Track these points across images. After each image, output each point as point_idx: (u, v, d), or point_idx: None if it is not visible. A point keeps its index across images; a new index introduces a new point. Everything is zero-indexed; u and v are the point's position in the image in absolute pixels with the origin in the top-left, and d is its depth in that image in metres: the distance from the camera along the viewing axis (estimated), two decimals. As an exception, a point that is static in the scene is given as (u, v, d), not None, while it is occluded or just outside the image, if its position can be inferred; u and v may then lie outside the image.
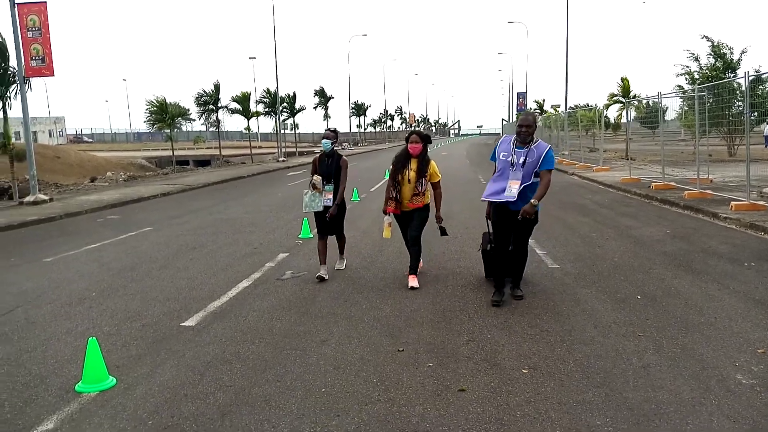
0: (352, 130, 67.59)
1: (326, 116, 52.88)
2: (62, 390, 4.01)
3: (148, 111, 29.56)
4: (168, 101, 30.76)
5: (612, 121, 38.30)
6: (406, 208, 6.47)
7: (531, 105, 65.52)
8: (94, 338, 4.11)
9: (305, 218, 10.23)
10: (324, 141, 6.88)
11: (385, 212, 6.55)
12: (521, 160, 5.47)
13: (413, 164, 6.35)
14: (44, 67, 17.14)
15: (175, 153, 34.06)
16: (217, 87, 32.73)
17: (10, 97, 17.92)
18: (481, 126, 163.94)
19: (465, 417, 3.48)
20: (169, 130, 31.17)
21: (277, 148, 38.97)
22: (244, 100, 35.74)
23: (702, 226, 10.07)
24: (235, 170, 29.57)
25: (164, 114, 29.36)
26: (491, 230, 6.00)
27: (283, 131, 42.06)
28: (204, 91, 32.85)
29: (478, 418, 3.45)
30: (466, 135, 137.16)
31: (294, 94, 43.44)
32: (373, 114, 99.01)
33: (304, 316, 5.53)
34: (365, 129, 78.93)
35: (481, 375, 4.07)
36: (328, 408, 3.64)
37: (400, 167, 6.38)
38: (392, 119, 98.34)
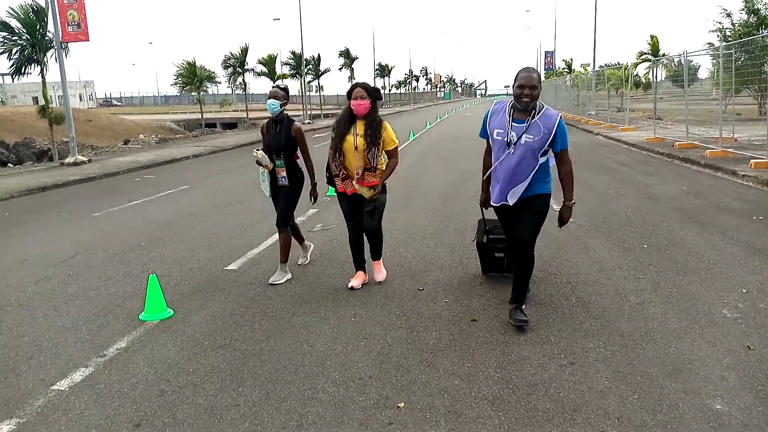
0: (377, 92, 67.22)
1: (351, 77, 52.82)
2: (128, 319, 4.65)
3: (177, 74, 30.12)
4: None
5: (642, 80, 37.72)
6: (356, 188, 4.99)
7: (559, 64, 64.43)
8: (154, 275, 4.74)
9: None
10: (270, 102, 5.24)
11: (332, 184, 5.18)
12: (522, 138, 3.99)
13: (359, 127, 4.90)
14: (80, 32, 17.75)
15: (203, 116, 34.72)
16: (244, 50, 33.03)
17: (47, 62, 18.62)
18: (509, 86, 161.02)
19: (475, 340, 4.01)
20: (197, 93, 31.74)
21: (303, 110, 39.38)
22: (270, 62, 36.00)
23: (719, 183, 10.32)
24: (263, 132, 30.12)
25: (193, 77, 29.89)
26: (485, 218, 5.05)
27: (308, 93, 42.36)
28: (231, 54, 33.20)
29: (486, 341, 3.98)
30: (493, 95, 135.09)
31: (318, 55, 43.49)
32: (397, 75, 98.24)
33: (334, 261, 6.09)
34: (389, 90, 78.65)
35: (492, 309, 4.58)
36: (357, 333, 4.21)
37: (342, 132, 4.94)
38: (417, 80, 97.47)
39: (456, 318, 4.43)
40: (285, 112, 5.40)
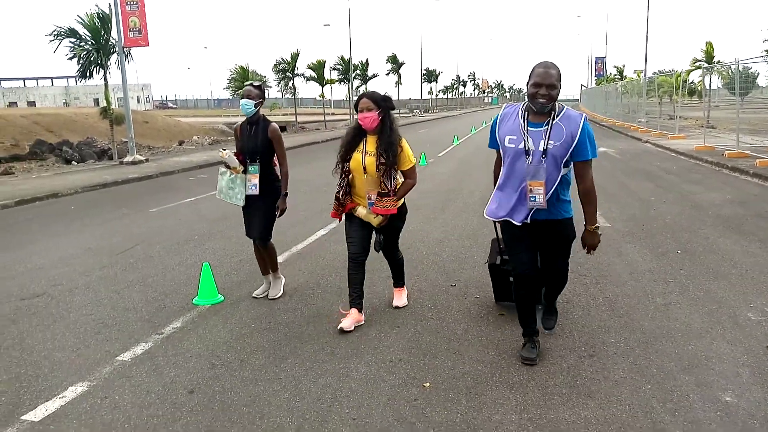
0: (423, 97, 67.66)
1: (398, 82, 53.42)
2: (183, 303, 5.09)
3: (230, 78, 31.18)
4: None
5: (697, 87, 36.76)
6: (363, 213, 4.31)
7: (610, 70, 63.30)
8: (207, 263, 5.16)
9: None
10: (243, 102, 4.81)
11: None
12: (541, 144, 3.42)
13: (369, 144, 4.23)
14: (140, 38, 18.70)
15: (254, 119, 35.76)
16: (294, 56, 33.96)
17: (109, 66, 19.69)
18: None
19: (501, 332, 4.26)
20: (248, 97, 32.74)
21: (350, 114, 40.03)
22: (319, 67, 36.83)
23: (766, 192, 10.17)
24: (310, 136, 30.84)
25: (246, 81, 30.87)
26: (501, 236, 4.05)
27: (355, 98, 43.05)
28: (282, 59, 34.19)
29: (511, 333, 4.21)
30: None
31: (366, 61, 44.25)
32: (445, 80, 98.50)
33: (373, 258, 6.32)
34: (436, 96, 78.84)
35: (520, 305, 4.80)
36: (390, 322, 4.52)
37: (347, 148, 4.30)
38: (464, 85, 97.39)
39: (484, 312, 4.68)
40: (261, 112, 4.94)
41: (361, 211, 4.30)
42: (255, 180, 4.85)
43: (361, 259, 4.43)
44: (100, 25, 18.97)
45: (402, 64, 52.64)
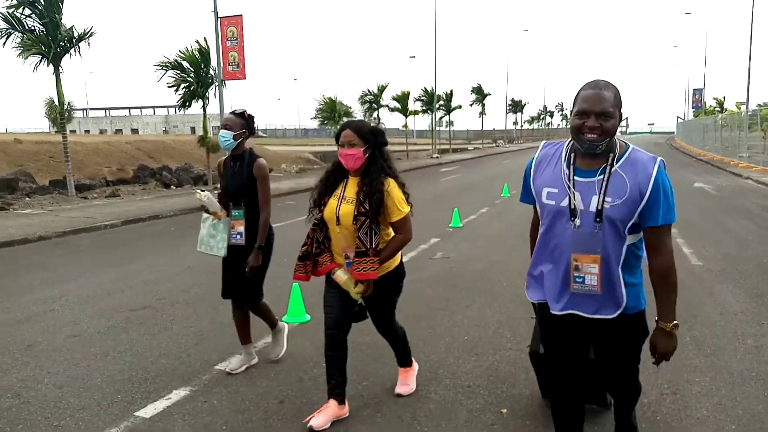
0: (507, 127, 67.31)
1: (482, 113, 53.44)
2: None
3: (318, 109, 32.49)
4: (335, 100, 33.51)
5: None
6: (341, 278, 3.38)
7: (709, 102, 60.44)
8: (297, 284, 5.49)
9: (455, 209, 11.25)
10: (221, 134, 3.99)
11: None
12: (593, 202, 2.37)
13: (349, 187, 3.39)
14: (238, 71, 20.04)
15: (339, 148, 36.99)
16: (381, 88, 35.03)
17: (208, 97, 21.12)
18: (653, 124, 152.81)
19: (580, 365, 4.26)
20: (334, 127, 33.99)
21: (432, 144, 40.47)
22: (403, 98, 37.65)
23: None
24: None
25: (333, 112, 32.05)
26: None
27: (438, 128, 43.51)
28: (368, 91, 35.31)
29: (591, 367, 4.21)
30: (635, 133, 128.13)
31: (450, 92, 44.70)
32: (531, 111, 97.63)
33: (452, 287, 6.54)
34: (521, 126, 78.16)
35: (601, 339, 4.78)
36: (468, 350, 4.63)
37: (324, 192, 3.47)
38: (551, 116, 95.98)
39: (564, 344, 4.69)
40: (248, 146, 4.06)
41: (340, 276, 3.38)
42: (240, 227, 4.00)
43: (339, 336, 3.51)
44: (200, 59, 20.46)
45: (487, 95, 52.69)
